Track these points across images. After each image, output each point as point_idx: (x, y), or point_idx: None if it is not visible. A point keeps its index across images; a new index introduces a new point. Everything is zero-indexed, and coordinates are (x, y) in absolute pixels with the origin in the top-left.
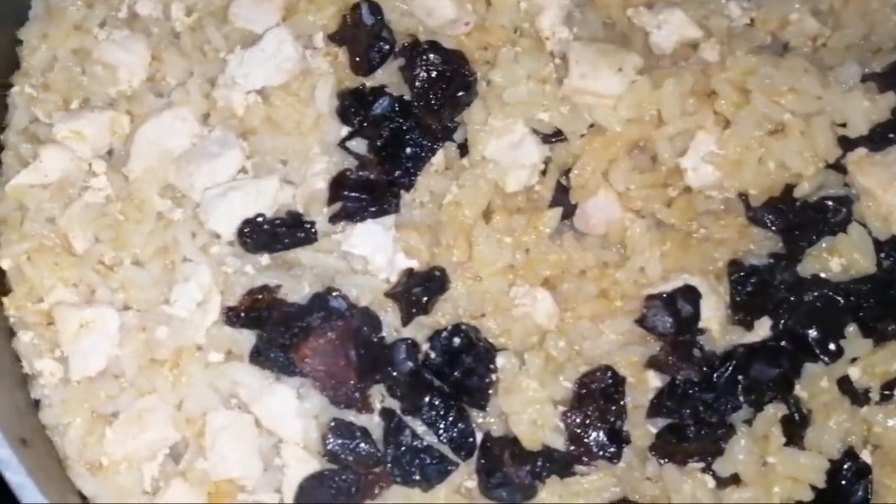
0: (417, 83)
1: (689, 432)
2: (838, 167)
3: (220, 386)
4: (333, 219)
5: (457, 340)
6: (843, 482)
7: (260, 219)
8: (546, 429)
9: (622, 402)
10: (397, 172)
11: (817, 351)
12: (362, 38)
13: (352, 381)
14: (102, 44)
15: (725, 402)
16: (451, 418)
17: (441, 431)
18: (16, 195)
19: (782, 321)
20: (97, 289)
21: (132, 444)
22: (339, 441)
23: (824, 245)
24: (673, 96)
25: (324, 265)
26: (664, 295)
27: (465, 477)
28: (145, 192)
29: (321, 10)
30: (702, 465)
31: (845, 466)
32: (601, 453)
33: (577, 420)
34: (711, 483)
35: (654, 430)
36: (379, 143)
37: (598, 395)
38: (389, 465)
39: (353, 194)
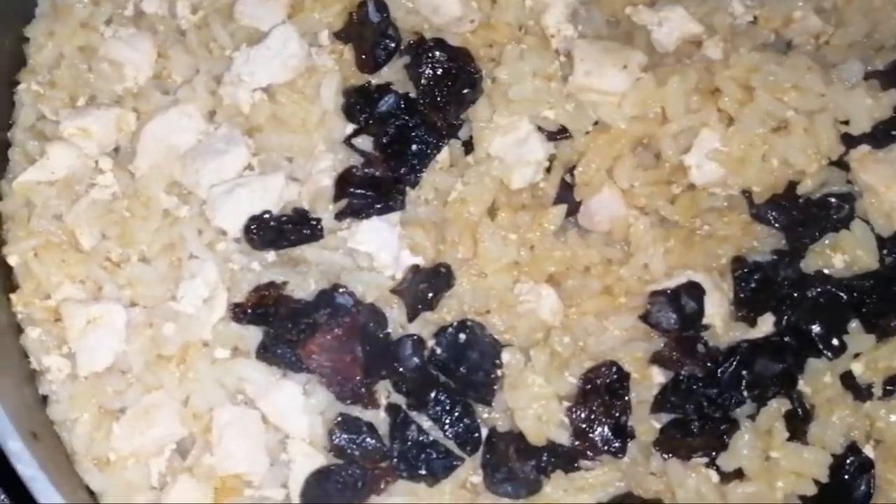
0: (423, 80)
1: (693, 427)
2: (841, 164)
3: (226, 382)
4: (339, 216)
5: (462, 336)
6: (846, 477)
7: (266, 216)
8: (551, 424)
9: (626, 398)
10: (403, 169)
11: (820, 346)
12: (368, 35)
13: (358, 377)
14: (109, 41)
15: (729, 397)
16: (456, 414)
17: (447, 427)
18: (23, 192)
19: (786, 317)
20: (104, 285)
21: (139, 440)
22: (346, 436)
23: (827, 241)
24: (677, 94)
25: (330, 262)
26: (668, 291)
27: (470, 472)
28: (152, 189)
29: (327, 8)
30: (706, 459)
31: (848, 461)
32: (606, 448)
33: (582, 415)
34: (715, 478)
35: (658, 426)
36: (384, 141)
37: (602, 390)
38: (395, 459)
39: (358, 191)
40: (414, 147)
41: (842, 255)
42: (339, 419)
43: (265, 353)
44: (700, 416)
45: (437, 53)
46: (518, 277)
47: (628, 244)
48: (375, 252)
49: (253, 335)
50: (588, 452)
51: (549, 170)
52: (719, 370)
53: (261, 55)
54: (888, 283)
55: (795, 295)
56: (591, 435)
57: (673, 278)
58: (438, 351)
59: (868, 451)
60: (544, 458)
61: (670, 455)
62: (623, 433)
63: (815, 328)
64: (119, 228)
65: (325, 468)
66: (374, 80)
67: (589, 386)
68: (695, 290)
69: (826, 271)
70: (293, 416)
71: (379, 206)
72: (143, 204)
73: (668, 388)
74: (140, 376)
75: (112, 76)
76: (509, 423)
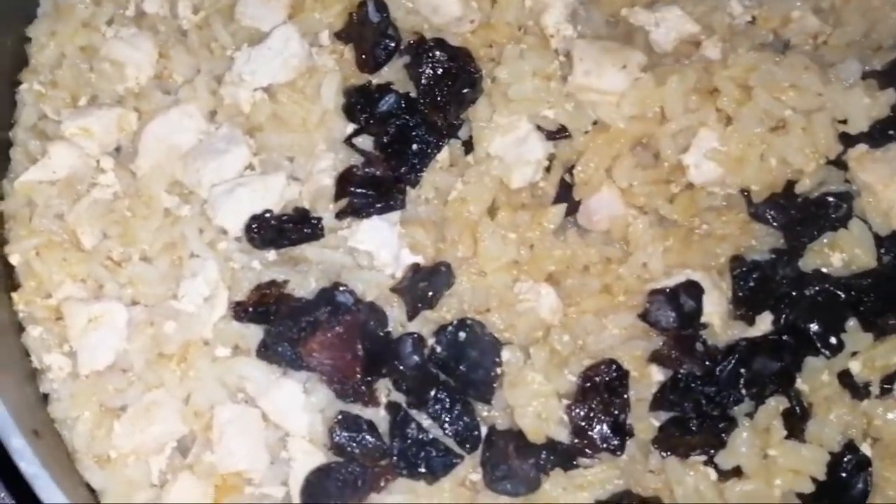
0: (423, 80)
1: (692, 425)
2: (839, 163)
3: (227, 380)
4: (340, 215)
5: (462, 335)
6: (844, 474)
7: (267, 215)
8: (550, 422)
9: (625, 396)
10: (403, 169)
11: (818, 345)
12: (368, 35)
13: (358, 375)
14: (110, 41)
15: (727, 395)
16: (456, 412)
17: (446, 425)
18: (25, 191)
19: (784, 316)
20: (105, 284)
21: (140, 438)
22: (346, 434)
23: (825, 240)
24: (676, 93)
25: (330, 261)
26: (667, 290)
27: (469, 470)
28: (153, 189)
29: (327, 8)
30: (704, 457)
31: (845, 459)
32: (605, 446)
33: (581, 413)
34: (713, 475)
35: (656, 424)
36: (385, 140)
37: (601, 388)
38: (395, 457)
39: (359, 190)
40: (414, 146)
41: (840, 254)
42: (340, 417)
43: (266, 351)
44: (698, 414)
45: (438, 53)
46: (518, 276)
47: (627, 243)
48: (376, 251)
49: (254, 333)
50: (587, 450)
51: (548, 169)
52: (718, 368)
53: (262, 55)
54: (886, 282)
55: (794, 293)
56: (590, 433)
57: (672, 277)
58: (438, 349)
59: (865, 449)
60: (543, 456)
61: (669, 453)
62: (622, 431)
63: (814, 327)
64: (120, 227)
65: (325, 466)
66: (375, 79)
67: (588, 384)
68: (693, 289)
69: (824, 270)
70: (293, 414)
71: (379, 205)
72: (144, 203)
73: (667, 386)
74: (141, 374)
75: (113, 76)
76: (509, 421)
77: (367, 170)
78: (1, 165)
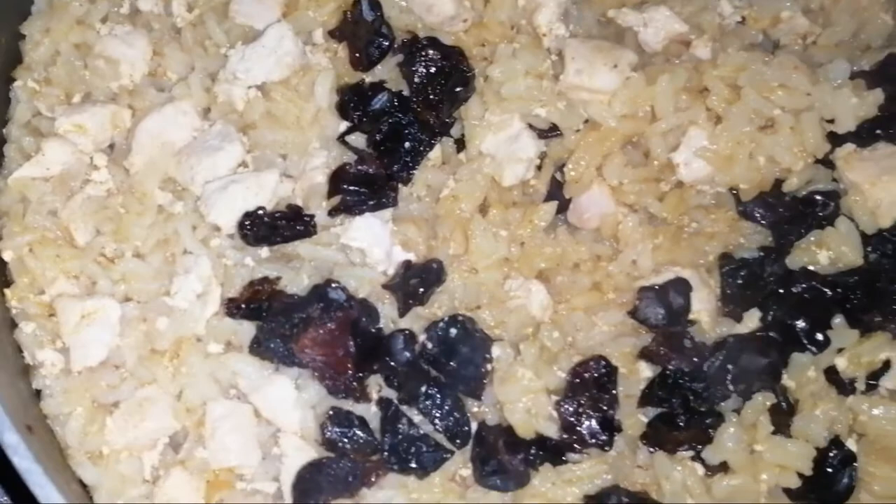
0: (416, 79)
1: (680, 421)
2: (827, 162)
3: (219, 376)
4: (332, 212)
5: (453, 331)
6: (829, 469)
7: (260, 212)
8: (540, 417)
9: (614, 392)
10: (395, 167)
11: (805, 341)
12: (362, 34)
13: (350, 371)
14: (104, 38)
15: (715, 391)
16: (446, 407)
17: (437, 420)
18: (18, 188)
19: (771, 312)
20: (98, 280)
21: (132, 434)
22: (338, 430)
23: (813, 238)
24: (666, 93)
25: (323, 257)
26: (656, 287)
27: (460, 465)
28: (146, 186)
29: (321, 7)
30: (691, 453)
31: (831, 454)
32: (593, 441)
33: (571, 409)
34: (701, 470)
35: (645, 419)
36: (378, 138)
37: (590, 384)
38: (386, 453)
39: (351, 188)
40: (407, 144)
41: (827, 252)
42: (331, 413)
43: (258, 347)
44: (686, 409)
45: (431, 52)
46: (508, 273)
47: (617, 241)
48: (368, 248)
49: (246, 330)
50: (576, 445)
51: (539, 167)
52: (705, 365)
53: (255, 53)
54: (872, 280)
55: (781, 291)
56: (578, 428)
57: (661, 274)
58: (429, 345)
59: (851, 444)
60: (533, 451)
61: (657, 448)
62: (610, 427)
63: (800, 323)
64: (113, 224)
65: (317, 461)
66: (368, 78)
67: (577, 380)
68: (682, 286)
69: (811, 268)
70: (285, 411)
71: (372, 202)
72: (137, 200)
73: (655, 382)
74: (133, 371)
75: (107, 73)
76: (498, 417)
77: (359, 167)
78: None
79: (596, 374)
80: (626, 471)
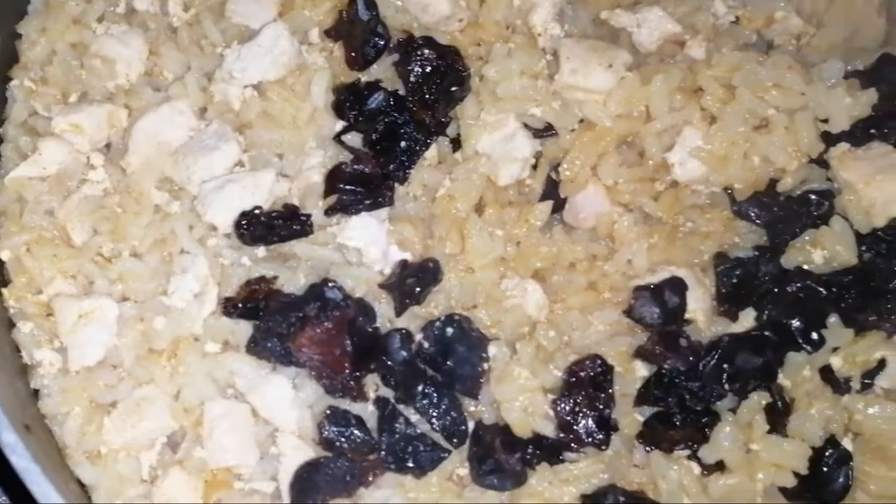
0: (412, 78)
1: (676, 420)
2: (821, 162)
3: (217, 376)
4: (329, 211)
5: (450, 330)
6: (825, 469)
7: (256, 211)
8: (536, 416)
9: (610, 391)
10: (391, 166)
11: (800, 341)
12: (357, 33)
13: (347, 371)
14: (101, 38)
15: (711, 390)
16: (443, 406)
17: (434, 419)
18: (15, 187)
19: (766, 312)
20: (96, 280)
21: (130, 433)
22: (335, 429)
23: (807, 238)
24: (661, 92)
25: (319, 257)
26: (651, 286)
27: (457, 464)
28: (143, 185)
29: (317, 6)
30: (688, 452)
31: (827, 453)
32: (590, 440)
33: (567, 408)
34: (697, 470)
35: (641, 418)
36: (374, 138)
37: (587, 383)
38: (383, 452)
39: (348, 187)
40: (403, 144)
41: (821, 251)
42: (328, 412)
43: (255, 347)
44: (682, 409)
45: (426, 51)
46: (504, 273)
47: (613, 240)
48: (364, 247)
49: (243, 329)
50: (572, 444)
51: (535, 167)
52: (701, 364)
53: (252, 52)
54: (866, 279)
55: (776, 290)
56: (575, 427)
57: (656, 274)
58: (426, 345)
59: (847, 443)
60: (529, 451)
61: (653, 447)
62: (607, 426)
63: (795, 323)
64: (110, 224)
65: (315, 461)
66: (364, 77)
67: (573, 379)
68: (677, 286)
69: (806, 267)
70: (283, 410)
71: (368, 202)
72: (134, 199)
73: (651, 381)
74: (131, 370)
75: (104, 73)
76: (495, 416)
77: (355, 167)
78: None
79: (592, 374)
80: (623, 470)
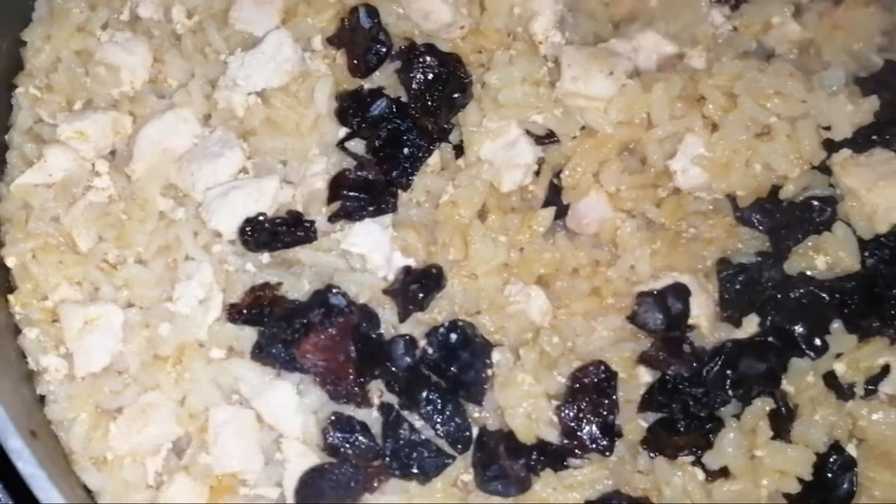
0: (414, 85)
1: (680, 426)
2: (823, 168)
3: (222, 382)
4: (332, 218)
5: (453, 336)
6: (829, 475)
7: (261, 218)
8: (540, 422)
9: (614, 397)
10: (395, 173)
11: (803, 346)
12: (360, 40)
13: (351, 377)
14: (105, 45)
15: (714, 396)
16: (447, 412)
17: (438, 425)
18: (21, 194)
19: (769, 318)
20: (101, 286)
21: (136, 439)
22: (339, 435)
23: (810, 244)
24: (662, 100)
25: (323, 263)
26: (655, 292)
27: (461, 470)
28: (148, 192)
29: (320, 14)
30: (692, 458)
31: (831, 459)
32: (594, 446)
33: (571, 414)
34: (701, 476)
35: (645, 424)
36: (377, 144)
37: (590, 389)
38: (388, 458)
39: (351, 194)
40: (405, 150)
41: (824, 257)
42: (333, 418)
43: (260, 353)
44: (686, 415)
45: (428, 59)
46: (508, 279)
47: (615, 246)
48: (368, 254)
49: (248, 335)
50: (576, 451)
51: (537, 173)
52: (705, 370)
53: (255, 60)
54: (869, 285)
55: (779, 296)
56: (579, 433)
57: (659, 280)
58: (430, 351)
59: (851, 449)
60: (534, 457)
61: (657, 453)
62: (611, 432)
63: (798, 328)
64: (116, 230)
65: (319, 467)
66: (367, 84)
67: (577, 385)
68: (681, 292)
69: (809, 273)
70: (287, 416)
71: (371, 208)
72: (139, 206)
73: (655, 387)
74: (136, 376)
75: (108, 80)
76: (499, 422)
77: (359, 173)
78: None
79: (596, 380)
80: (627, 476)
